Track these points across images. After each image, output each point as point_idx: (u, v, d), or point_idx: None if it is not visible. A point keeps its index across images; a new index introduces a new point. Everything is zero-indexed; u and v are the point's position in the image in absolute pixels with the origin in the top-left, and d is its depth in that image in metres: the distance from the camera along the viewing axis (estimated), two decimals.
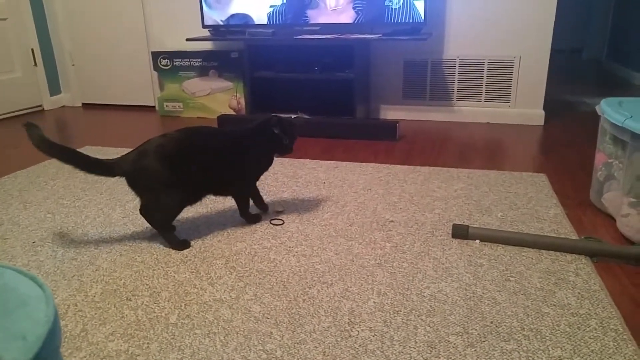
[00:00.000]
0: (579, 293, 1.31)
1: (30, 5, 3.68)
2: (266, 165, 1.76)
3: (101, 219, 1.83)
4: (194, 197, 1.64)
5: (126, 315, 1.26)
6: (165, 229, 1.62)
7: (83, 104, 4.04)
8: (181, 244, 1.60)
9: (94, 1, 3.72)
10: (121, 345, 1.15)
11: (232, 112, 3.42)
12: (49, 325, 0.54)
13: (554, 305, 1.26)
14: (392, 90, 3.29)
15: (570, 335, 1.14)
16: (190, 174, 1.56)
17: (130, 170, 1.54)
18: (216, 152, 1.62)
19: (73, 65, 3.94)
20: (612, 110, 1.70)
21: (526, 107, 3.08)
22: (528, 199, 1.91)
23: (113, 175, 1.57)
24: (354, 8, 2.91)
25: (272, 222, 1.76)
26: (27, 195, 2.08)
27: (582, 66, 5.64)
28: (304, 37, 2.95)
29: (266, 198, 1.97)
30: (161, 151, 1.53)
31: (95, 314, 1.27)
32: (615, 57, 5.23)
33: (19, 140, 2.98)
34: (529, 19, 2.91)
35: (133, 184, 1.57)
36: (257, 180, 1.79)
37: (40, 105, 3.86)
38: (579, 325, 1.18)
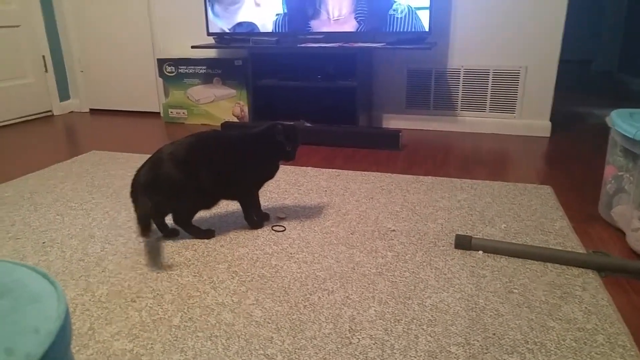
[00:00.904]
0: (585, 308, 1.29)
1: (42, 13, 3.74)
2: (270, 171, 1.78)
3: (107, 222, 1.85)
4: (208, 201, 1.70)
5: (131, 316, 1.27)
6: (187, 226, 1.70)
7: (90, 109, 4.09)
8: (206, 234, 1.71)
9: (102, 10, 3.78)
10: (126, 345, 1.16)
11: (235, 120, 3.45)
12: (61, 322, 0.55)
13: (560, 319, 1.25)
14: (395, 99, 3.31)
15: (576, 351, 1.13)
16: (201, 177, 1.60)
17: (147, 179, 1.60)
18: (223, 155, 1.66)
19: (82, 71, 3.99)
20: (623, 122, 1.68)
21: (532, 118, 3.09)
22: (533, 211, 1.91)
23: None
24: (356, 17, 2.93)
25: (274, 228, 1.78)
26: (38, 197, 2.10)
27: (592, 77, 5.58)
28: (308, 46, 2.97)
29: (268, 205, 1.98)
30: (174, 158, 1.59)
31: (102, 313, 1.28)
32: (626, 69, 5.16)
33: (29, 144, 3.01)
34: (537, 29, 2.91)
35: (150, 192, 1.61)
36: (262, 185, 1.80)
37: (50, 111, 3.91)
38: (586, 340, 1.17)
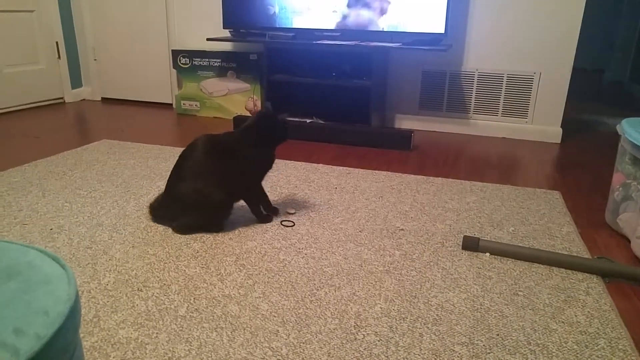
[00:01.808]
0: (588, 312, 1.30)
1: None
2: (271, 161, 1.76)
3: (116, 210, 1.86)
4: (224, 211, 1.72)
5: (137, 305, 1.28)
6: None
7: (102, 98, 4.11)
8: (215, 227, 1.71)
9: None
10: (131, 333, 1.17)
11: (248, 114, 3.46)
12: (71, 304, 0.56)
13: (563, 322, 1.25)
14: (409, 100, 3.30)
15: (577, 353, 1.14)
16: (213, 190, 1.62)
17: (174, 197, 1.66)
18: (228, 162, 1.66)
19: (95, 59, 4.01)
20: (633, 130, 1.69)
21: (544, 124, 3.07)
22: (541, 216, 1.91)
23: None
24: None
25: (283, 223, 1.78)
26: (46, 183, 2.12)
27: (604, 86, 5.57)
28: (324, 42, 2.97)
29: (278, 200, 1.98)
30: (184, 179, 1.63)
31: (108, 301, 1.29)
32: (638, 80, 5.16)
33: (40, 130, 3.04)
34: (552, 36, 2.90)
35: (180, 208, 1.67)
36: (262, 179, 1.79)
37: (62, 98, 3.93)
38: (587, 343, 1.17)
